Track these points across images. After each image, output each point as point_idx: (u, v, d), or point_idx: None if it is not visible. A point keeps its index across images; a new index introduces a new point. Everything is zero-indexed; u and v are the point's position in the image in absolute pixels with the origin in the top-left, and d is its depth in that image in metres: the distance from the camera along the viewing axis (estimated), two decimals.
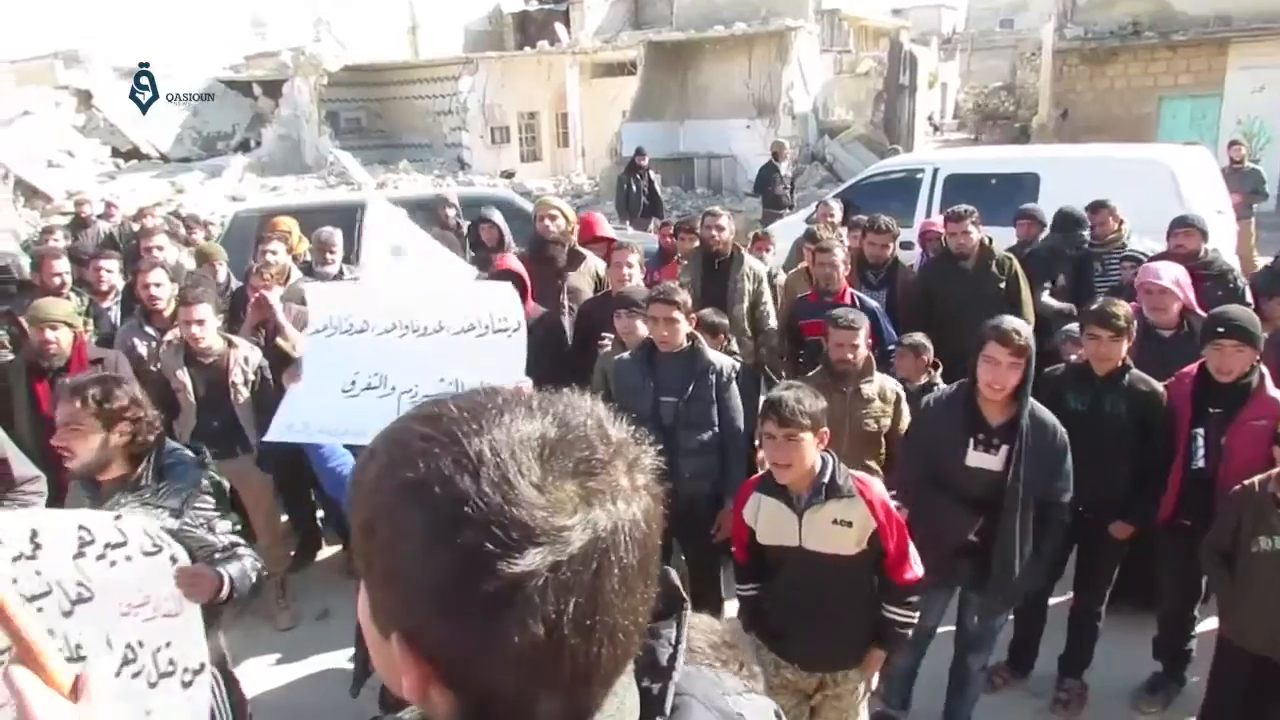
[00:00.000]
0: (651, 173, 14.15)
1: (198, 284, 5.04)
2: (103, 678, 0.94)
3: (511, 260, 5.14)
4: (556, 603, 0.68)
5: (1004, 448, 3.33)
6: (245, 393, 4.71)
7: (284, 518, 5.46)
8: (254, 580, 2.91)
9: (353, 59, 24.70)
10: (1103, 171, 7.98)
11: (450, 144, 24.95)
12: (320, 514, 5.74)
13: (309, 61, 23.84)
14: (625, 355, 4.45)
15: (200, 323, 4.52)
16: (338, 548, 5.69)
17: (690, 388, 4.12)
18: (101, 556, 2.29)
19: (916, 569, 3.00)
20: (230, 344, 4.74)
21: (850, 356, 4.13)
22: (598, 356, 4.78)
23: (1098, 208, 6.19)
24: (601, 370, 4.61)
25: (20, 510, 3.06)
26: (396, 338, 3.46)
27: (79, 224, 10.84)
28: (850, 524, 2.90)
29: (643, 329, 4.45)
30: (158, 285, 5.12)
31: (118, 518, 2.34)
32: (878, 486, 3.02)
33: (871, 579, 3.03)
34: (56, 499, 3.78)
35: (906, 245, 7.09)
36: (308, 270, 6.40)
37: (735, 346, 5.02)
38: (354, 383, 3.43)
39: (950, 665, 3.76)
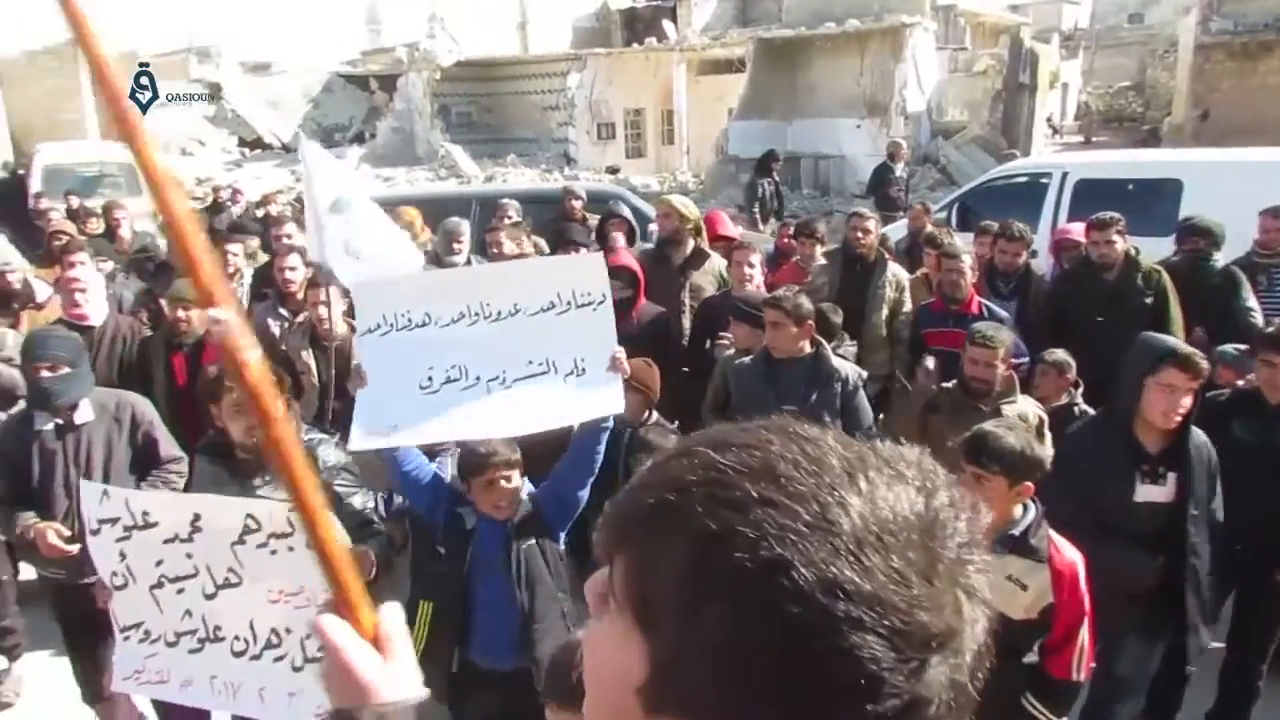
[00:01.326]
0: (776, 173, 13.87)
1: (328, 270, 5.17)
2: (402, 631, 0.95)
3: (626, 256, 5.11)
4: None
5: (1170, 476, 3.09)
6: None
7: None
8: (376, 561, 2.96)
9: (464, 54, 25.18)
10: (1255, 178, 7.42)
11: (557, 139, 25.18)
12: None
13: (423, 57, 24.42)
14: (745, 360, 4.37)
15: (326, 305, 4.63)
16: None
17: (813, 396, 4.01)
18: (263, 545, 2.33)
19: (1078, 673, 2.72)
20: (353, 329, 4.83)
21: (988, 375, 3.89)
22: (717, 357, 4.72)
23: (1276, 214, 5.77)
24: (722, 371, 4.54)
25: (192, 495, 3.14)
26: (466, 326, 3.26)
27: (214, 209, 11.32)
28: (1026, 588, 2.65)
29: (759, 334, 4.38)
30: (292, 269, 5.30)
31: (294, 508, 2.37)
32: (1073, 557, 2.71)
33: (1022, 659, 2.74)
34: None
35: (1032, 254, 6.80)
36: (435, 260, 6.51)
37: (845, 352, 4.87)
38: (431, 379, 3.23)
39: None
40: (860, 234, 5.56)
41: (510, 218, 7.17)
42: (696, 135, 23.10)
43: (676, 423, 4.33)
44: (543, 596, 3.07)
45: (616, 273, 4.76)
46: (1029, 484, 2.68)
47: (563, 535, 3.26)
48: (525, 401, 3.19)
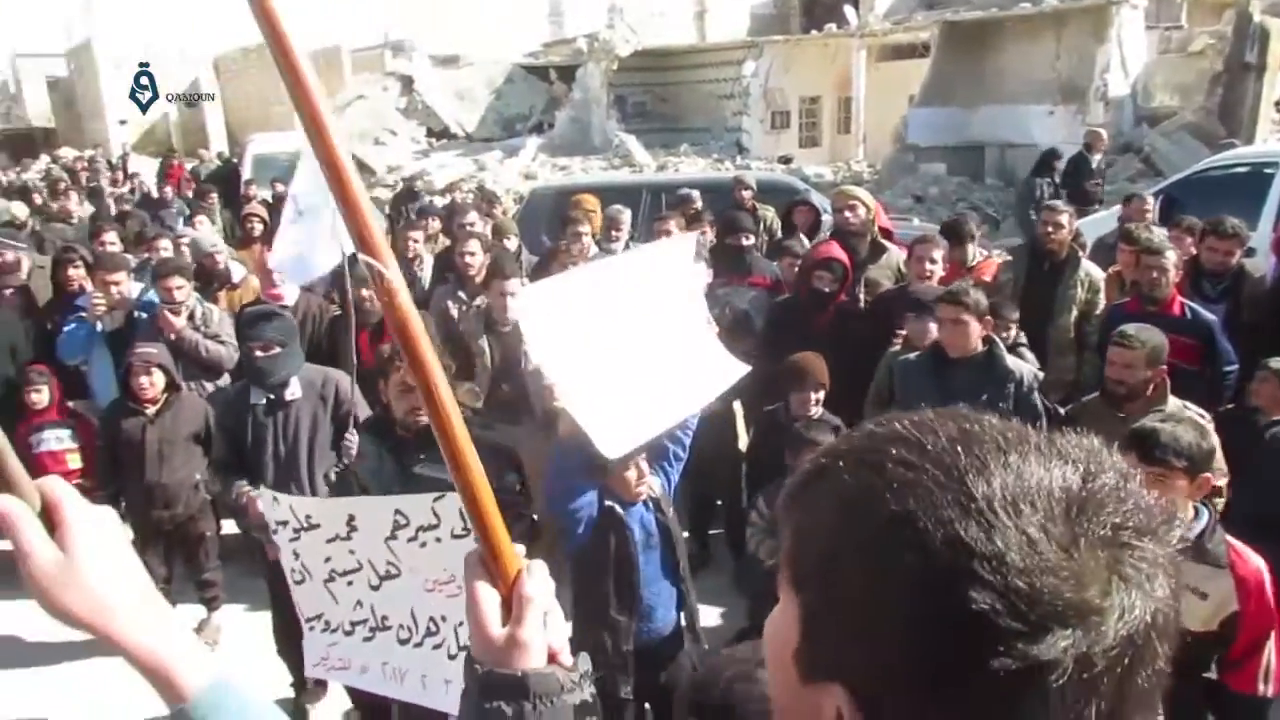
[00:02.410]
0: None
1: (509, 259, 5.36)
2: (540, 598, 0.93)
3: (836, 249, 4.99)
4: (1077, 704, 0.55)
5: None
6: (534, 363, 4.94)
7: None
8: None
9: (642, 44, 25.44)
10: None
11: (730, 128, 25.06)
12: None
13: (601, 48, 24.85)
14: (911, 357, 4.20)
15: (510, 295, 4.79)
16: None
17: (984, 397, 3.80)
18: (413, 539, 2.41)
19: (1266, 687, 2.48)
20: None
21: (1128, 378, 3.59)
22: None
23: None
24: (886, 369, 4.38)
25: (341, 499, 3.23)
26: (619, 321, 3.24)
27: (408, 196, 11.95)
28: (1206, 596, 2.45)
29: (934, 330, 4.19)
30: (472, 254, 5.52)
31: (438, 499, 2.42)
32: (1258, 564, 2.50)
33: (1202, 675, 2.54)
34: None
35: (1248, 252, 6.15)
36: (599, 246, 6.61)
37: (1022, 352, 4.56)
38: (619, 368, 3.33)
39: None
40: (1051, 229, 5.19)
41: (697, 208, 7.15)
42: (874, 123, 22.39)
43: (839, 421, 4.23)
44: (684, 563, 3.36)
45: (826, 264, 4.68)
46: (1207, 476, 2.50)
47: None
48: (679, 382, 3.20)
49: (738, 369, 3.31)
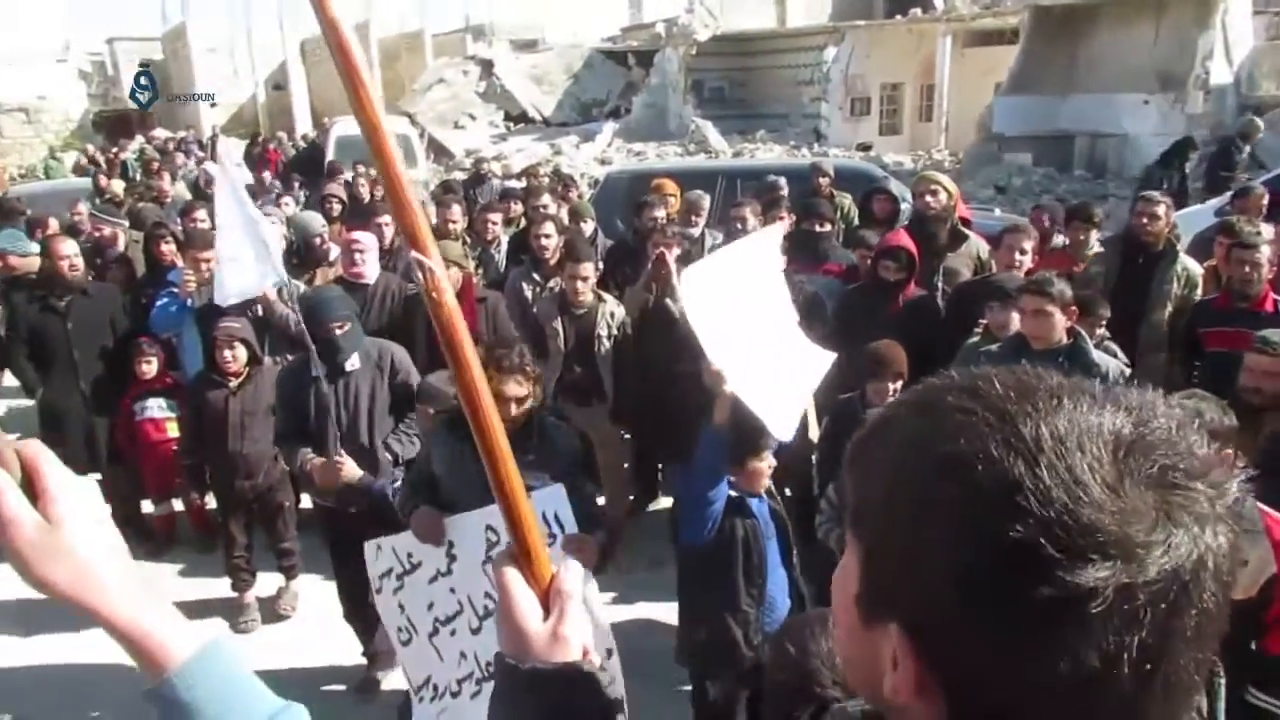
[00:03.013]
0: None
1: (583, 242, 5.39)
2: (578, 595, 0.94)
3: (903, 238, 4.89)
4: (1118, 635, 0.57)
5: None
6: (607, 345, 4.95)
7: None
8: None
9: (722, 29, 25.24)
10: None
11: (808, 115, 24.70)
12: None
13: (680, 32, 24.72)
14: (992, 348, 4.09)
15: (585, 279, 4.83)
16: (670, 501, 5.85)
17: None
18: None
19: None
20: (599, 298, 4.99)
21: (1264, 385, 3.41)
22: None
23: None
24: (964, 359, 4.27)
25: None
26: (748, 302, 3.27)
27: (477, 179, 12.10)
28: (1245, 562, 2.37)
29: (1017, 321, 4.08)
30: (547, 237, 5.55)
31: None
32: None
33: (1233, 646, 2.43)
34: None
35: None
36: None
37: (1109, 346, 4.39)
38: (772, 343, 3.26)
39: None
40: (1147, 220, 4.98)
41: (782, 197, 7.06)
42: (957, 112, 21.83)
43: None
44: (795, 550, 3.45)
45: (894, 253, 4.60)
46: (1228, 453, 2.47)
47: None
48: (797, 370, 3.21)
49: (826, 357, 3.31)
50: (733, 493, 3.21)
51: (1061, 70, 19.53)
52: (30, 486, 0.78)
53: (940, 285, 4.99)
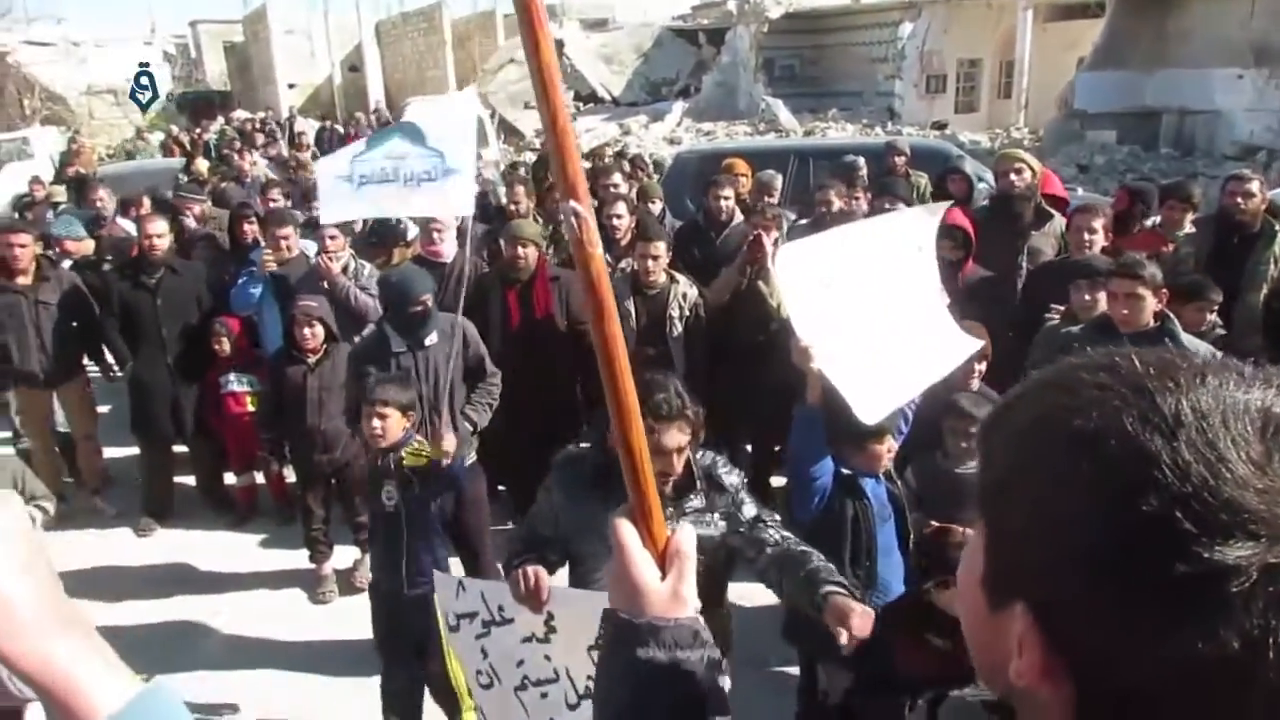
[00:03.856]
0: None
1: (654, 222, 5.38)
2: (692, 554, 0.95)
3: (960, 215, 4.78)
4: (1263, 617, 0.54)
5: None
6: (679, 326, 4.94)
7: None
8: None
9: (794, 6, 24.84)
10: None
11: (881, 93, 24.21)
12: None
13: (752, 10, 24.40)
14: (1074, 330, 3.96)
15: (657, 258, 4.83)
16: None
17: None
18: None
19: None
20: (672, 279, 4.98)
21: None
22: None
23: None
24: (1042, 345, 4.14)
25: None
26: (863, 278, 3.15)
27: (545, 162, 12.16)
28: None
29: (1103, 303, 3.95)
30: (619, 217, 5.55)
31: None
32: None
33: None
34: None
35: None
36: (745, 211, 6.51)
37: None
38: (870, 331, 3.13)
39: None
40: (1241, 199, 4.77)
41: (859, 176, 6.95)
42: (1037, 88, 21.16)
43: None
44: (913, 535, 3.36)
45: (949, 232, 4.50)
46: None
47: None
48: (919, 353, 3.13)
49: (970, 344, 3.21)
50: (846, 471, 3.16)
51: (1149, 44, 18.75)
52: None
53: (1024, 265, 4.86)
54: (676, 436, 2.52)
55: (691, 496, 2.63)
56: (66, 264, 6.64)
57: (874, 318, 3.08)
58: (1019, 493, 0.63)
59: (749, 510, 2.71)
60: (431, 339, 4.36)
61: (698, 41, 27.09)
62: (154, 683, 0.69)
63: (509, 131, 21.40)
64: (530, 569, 2.33)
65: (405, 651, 3.50)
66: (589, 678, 1.96)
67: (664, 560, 0.95)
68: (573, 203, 0.90)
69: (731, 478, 2.76)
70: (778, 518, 2.76)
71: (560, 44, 25.76)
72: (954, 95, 24.09)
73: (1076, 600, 0.58)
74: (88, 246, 7.20)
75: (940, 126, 21.14)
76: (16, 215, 9.12)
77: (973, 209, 5.67)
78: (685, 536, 0.96)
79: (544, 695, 2.13)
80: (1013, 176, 5.05)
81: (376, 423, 3.46)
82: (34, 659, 0.64)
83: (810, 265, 3.09)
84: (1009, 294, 4.68)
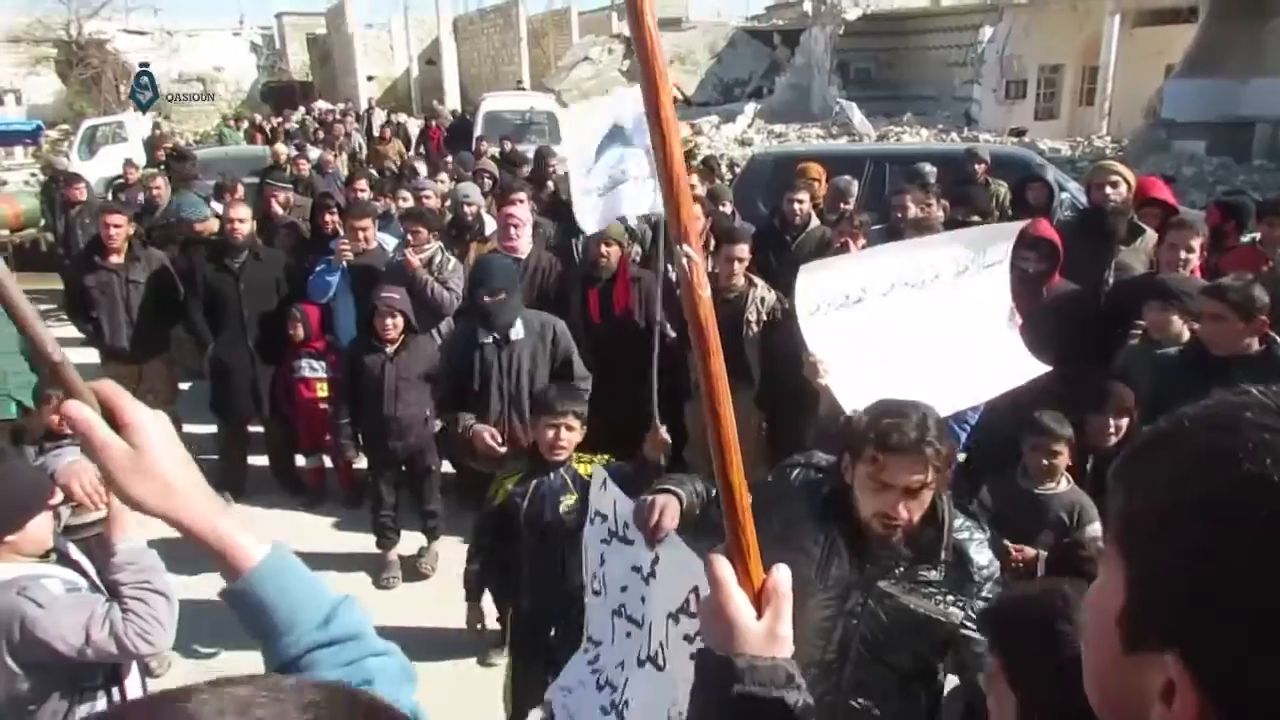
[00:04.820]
0: None
1: (732, 223, 5.35)
2: (787, 595, 0.96)
3: (1046, 227, 4.66)
4: None
5: None
6: (755, 329, 4.90)
7: None
8: None
9: (872, 7, 24.53)
10: None
11: (958, 97, 23.80)
12: None
13: (829, 11, 24.17)
14: (1170, 352, 3.82)
15: (740, 260, 4.80)
16: None
17: None
18: (690, 639, 1.85)
19: None
20: (751, 282, 4.94)
21: None
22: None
23: None
24: (1130, 365, 4.00)
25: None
26: (902, 297, 3.23)
27: None
28: None
29: (1177, 323, 3.81)
30: (695, 219, 5.52)
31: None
32: None
33: None
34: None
35: None
36: (820, 216, 6.44)
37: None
38: (880, 352, 3.17)
39: None
40: None
41: (929, 183, 6.83)
42: (1122, 95, 20.57)
43: None
44: None
45: (1035, 243, 4.39)
46: None
47: None
48: (962, 373, 3.08)
49: (1034, 368, 3.13)
50: None
51: (1244, 51, 18.04)
52: (111, 419, 0.88)
53: (1110, 281, 4.71)
54: (908, 473, 2.06)
55: (930, 569, 2.18)
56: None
57: (915, 334, 3.07)
58: (1176, 534, 0.60)
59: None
60: (516, 333, 4.37)
61: (772, 42, 26.93)
62: (278, 544, 0.95)
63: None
64: (662, 499, 2.09)
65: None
66: (660, 644, 1.90)
67: (760, 599, 0.95)
68: (686, 246, 0.95)
69: (981, 557, 2.23)
70: None
71: (629, 43, 25.86)
72: (1034, 101, 23.56)
73: (1241, 652, 0.56)
74: (213, 225, 7.43)
75: (1019, 133, 20.67)
76: (110, 196, 9.49)
77: (1055, 219, 5.52)
78: (782, 577, 0.97)
79: (628, 634, 2.09)
80: (1108, 189, 4.89)
81: (563, 434, 3.31)
82: (204, 524, 0.90)
83: (833, 281, 3.14)
84: (1092, 310, 4.54)
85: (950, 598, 2.16)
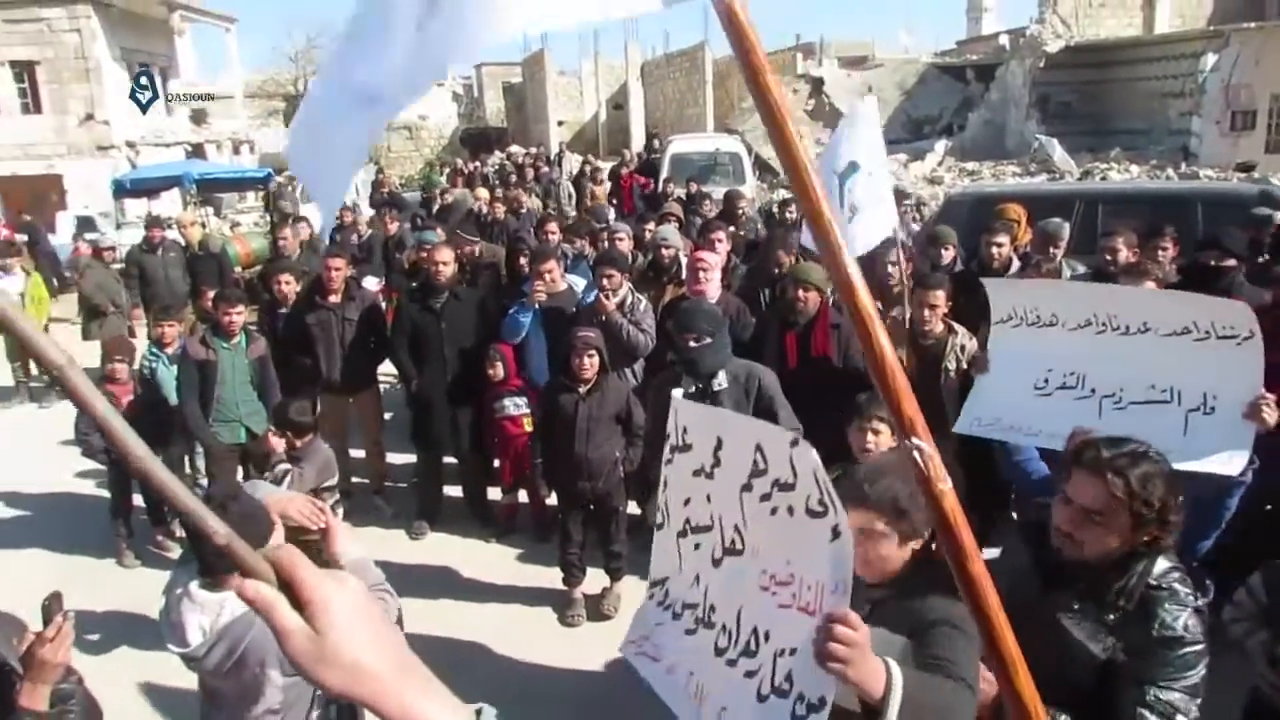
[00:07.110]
0: None
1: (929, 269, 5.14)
2: None
3: None
4: None
5: None
6: (954, 377, 4.66)
7: None
8: None
9: (1076, 38, 23.31)
10: None
11: (1174, 130, 22.12)
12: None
13: (1027, 44, 23.16)
14: None
15: (934, 307, 4.61)
16: None
17: None
18: (766, 497, 1.74)
19: None
20: (950, 329, 4.71)
21: None
22: None
23: None
24: None
25: (711, 410, 2.50)
26: (1093, 334, 3.23)
27: (785, 204, 12.04)
28: None
29: None
30: (893, 264, 5.34)
31: (794, 443, 1.66)
32: None
33: None
34: None
35: None
36: (1024, 261, 6.08)
37: None
38: (1047, 380, 3.32)
39: None
40: None
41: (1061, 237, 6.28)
42: None
43: None
44: None
45: None
46: None
47: None
48: (1137, 428, 2.80)
49: (1231, 461, 2.83)
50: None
51: None
52: (290, 594, 0.83)
53: None
54: (1085, 493, 2.11)
55: (1101, 607, 2.13)
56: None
57: (1108, 376, 3.16)
58: None
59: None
60: (719, 383, 4.27)
61: (965, 78, 26.06)
62: (483, 712, 0.89)
63: (764, 168, 21.50)
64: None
65: None
66: (736, 528, 1.84)
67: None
68: (917, 440, 0.90)
69: (1173, 619, 2.07)
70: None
71: (819, 82, 25.69)
72: (1265, 133, 21.53)
73: None
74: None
75: (1247, 168, 18.91)
76: (327, 241, 10.25)
77: None
78: None
79: (697, 546, 2.02)
80: None
81: (870, 439, 3.34)
82: (392, 704, 0.83)
83: (1028, 299, 3.43)
84: None
85: (1110, 639, 2.10)
